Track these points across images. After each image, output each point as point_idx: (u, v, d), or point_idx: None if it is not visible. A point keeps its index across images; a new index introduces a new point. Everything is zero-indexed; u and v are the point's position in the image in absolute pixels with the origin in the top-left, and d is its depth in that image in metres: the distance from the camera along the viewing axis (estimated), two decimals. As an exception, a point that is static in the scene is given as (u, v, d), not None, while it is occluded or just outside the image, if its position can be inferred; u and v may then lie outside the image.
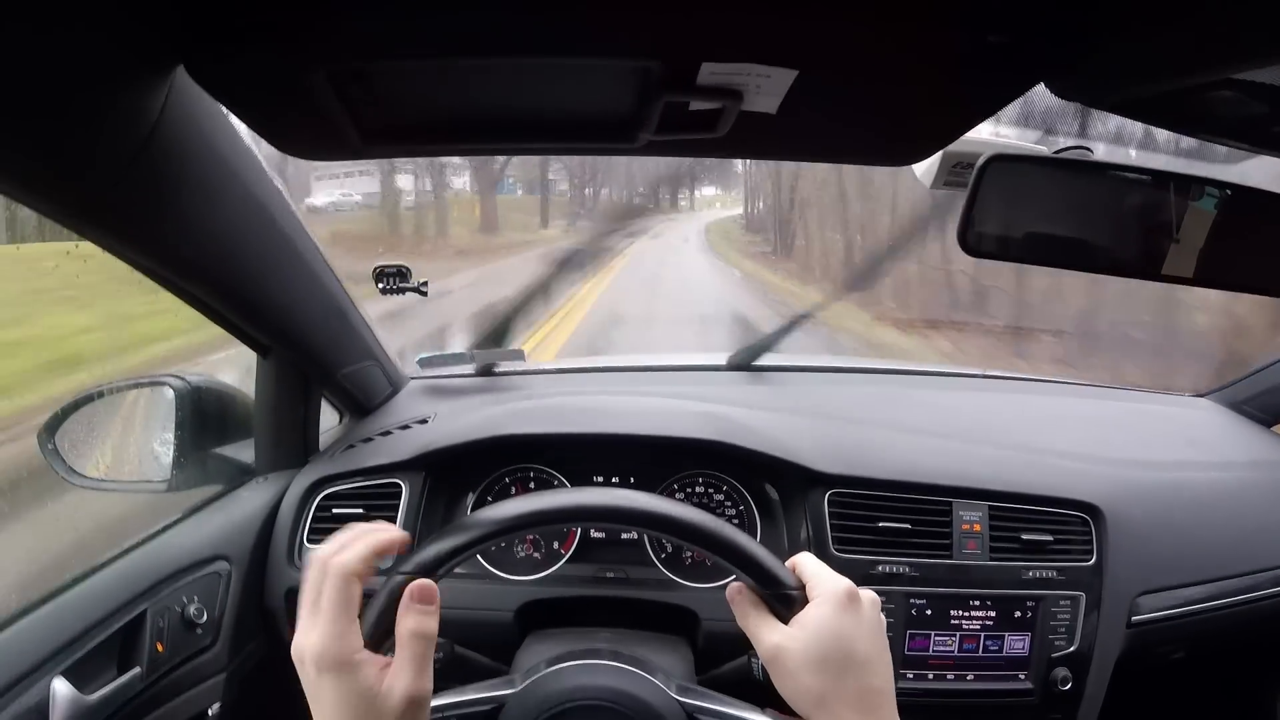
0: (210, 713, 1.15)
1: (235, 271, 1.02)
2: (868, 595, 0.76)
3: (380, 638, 0.70)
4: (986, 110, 0.74)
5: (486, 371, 1.73)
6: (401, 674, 0.67)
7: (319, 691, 0.67)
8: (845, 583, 0.75)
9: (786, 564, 0.78)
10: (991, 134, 1.04)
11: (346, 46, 0.61)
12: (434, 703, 0.84)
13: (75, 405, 1.27)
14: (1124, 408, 1.74)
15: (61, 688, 0.89)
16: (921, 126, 0.78)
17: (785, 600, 0.76)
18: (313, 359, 1.30)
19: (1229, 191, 0.88)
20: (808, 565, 0.78)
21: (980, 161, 0.89)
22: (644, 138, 0.73)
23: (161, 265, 0.94)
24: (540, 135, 0.77)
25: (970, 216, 0.90)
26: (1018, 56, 0.61)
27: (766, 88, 0.65)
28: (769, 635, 0.74)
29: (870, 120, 0.76)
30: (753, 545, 0.78)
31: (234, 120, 0.86)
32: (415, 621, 0.69)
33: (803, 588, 0.76)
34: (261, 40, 0.59)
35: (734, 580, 0.80)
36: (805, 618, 0.73)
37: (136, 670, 1.01)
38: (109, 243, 0.86)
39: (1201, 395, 1.80)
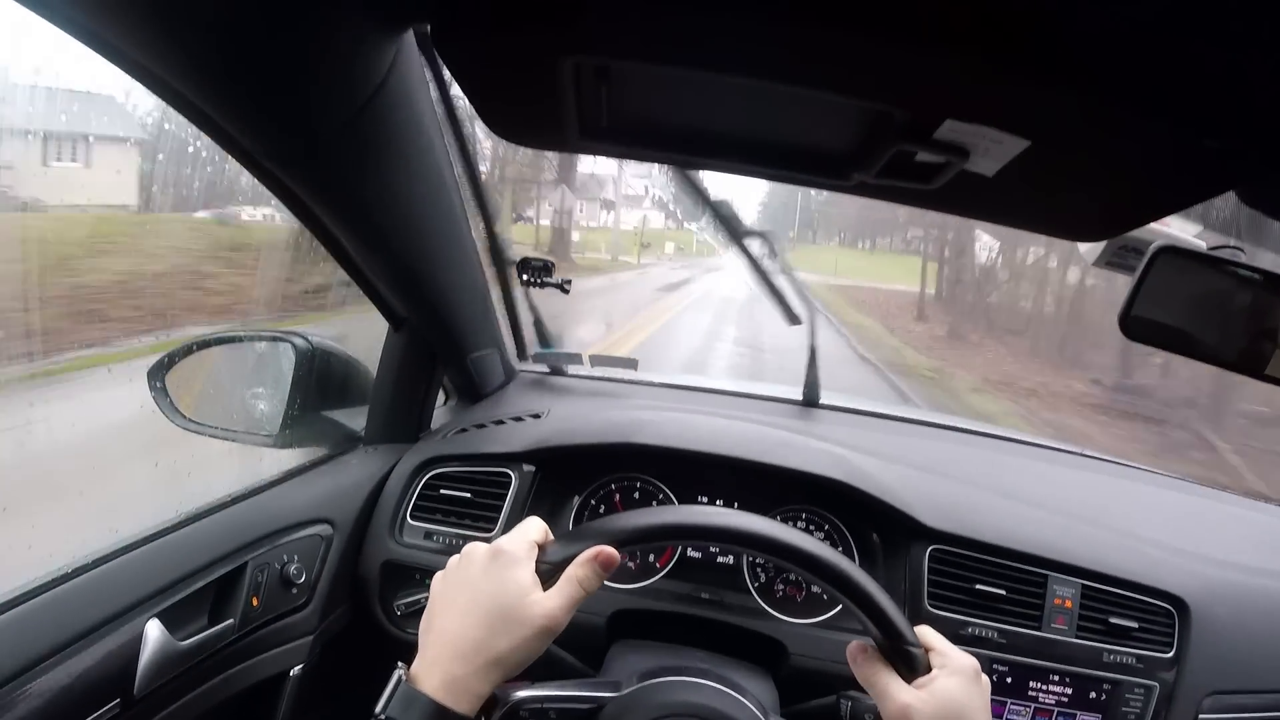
0: (292, 673, 1.15)
1: (405, 244, 1.05)
2: (985, 678, 0.81)
3: (549, 572, 0.78)
4: (1179, 204, 0.75)
5: (597, 376, 1.75)
6: (551, 598, 0.77)
7: (480, 577, 0.78)
8: (973, 660, 0.81)
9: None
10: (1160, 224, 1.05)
11: (603, 41, 0.62)
12: (538, 691, 0.87)
13: (186, 350, 1.29)
14: (1217, 507, 1.72)
15: (154, 630, 0.89)
16: (1113, 209, 0.79)
17: (908, 659, 0.79)
18: (448, 338, 1.33)
19: None
20: (933, 636, 0.83)
21: (1151, 250, 0.90)
22: (858, 178, 0.74)
23: (347, 225, 0.97)
24: (755, 159, 0.77)
25: (1134, 301, 0.91)
26: (1224, 162, 0.62)
27: (994, 152, 0.66)
28: (899, 694, 0.78)
29: (1070, 197, 0.77)
30: (887, 600, 0.81)
31: (439, 101, 0.89)
32: (586, 571, 0.78)
33: (926, 651, 0.81)
34: (520, 18, 0.61)
35: (858, 636, 0.83)
36: (935, 684, 0.78)
37: (230, 621, 1.02)
38: (302, 195, 0.88)
39: None
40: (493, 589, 0.76)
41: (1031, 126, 0.62)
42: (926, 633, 0.83)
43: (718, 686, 0.92)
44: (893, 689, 0.78)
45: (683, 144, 0.77)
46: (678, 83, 0.68)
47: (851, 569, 0.82)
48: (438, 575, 0.81)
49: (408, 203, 0.97)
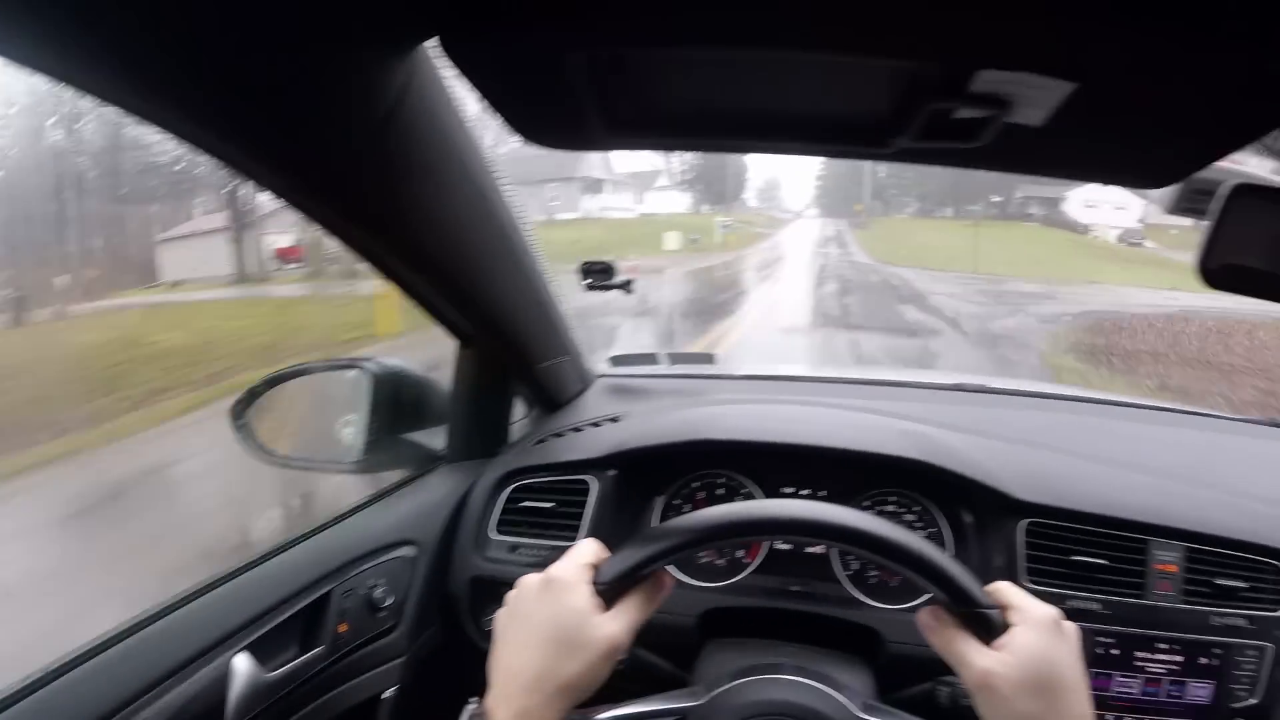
0: (385, 696, 1.16)
1: (454, 258, 1.05)
2: (1070, 624, 0.76)
3: (606, 592, 0.78)
4: (1247, 137, 0.71)
5: (675, 374, 1.74)
6: (613, 619, 0.77)
7: (535, 606, 0.78)
8: (1052, 609, 0.76)
9: (984, 589, 0.78)
10: (1230, 162, 0.99)
11: (614, 29, 0.61)
12: (618, 712, 0.87)
13: (267, 385, 1.31)
14: None
15: (242, 663, 0.90)
16: (1180, 149, 0.75)
17: (984, 622, 0.76)
18: (515, 351, 1.33)
19: None
20: (1009, 591, 0.79)
21: (1225, 190, 0.85)
22: (898, 144, 0.72)
23: (386, 249, 0.97)
24: (789, 135, 0.76)
25: (1213, 246, 0.86)
26: None
27: (1038, 99, 0.64)
28: (978, 659, 0.74)
29: (1131, 140, 0.74)
30: (950, 562, 0.78)
31: (462, 107, 0.89)
32: (646, 592, 0.80)
33: (1003, 610, 0.76)
34: (526, 17, 0.60)
35: (928, 603, 0.80)
36: (1015, 643, 0.73)
37: (318, 649, 1.03)
38: (338, 223, 0.89)
39: None
40: (549, 617, 0.77)
41: (1074, 66, 0.59)
42: (1000, 590, 0.79)
43: (801, 680, 0.90)
44: (971, 655, 0.74)
45: (712, 128, 0.76)
46: (697, 65, 0.67)
47: (905, 536, 0.79)
48: (500, 611, 0.82)
49: (448, 217, 0.98)
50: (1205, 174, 0.91)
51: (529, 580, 0.81)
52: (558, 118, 0.77)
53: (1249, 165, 1.01)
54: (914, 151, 0.74)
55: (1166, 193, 1.02)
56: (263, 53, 0.59)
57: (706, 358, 1.73)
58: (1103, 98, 0.63)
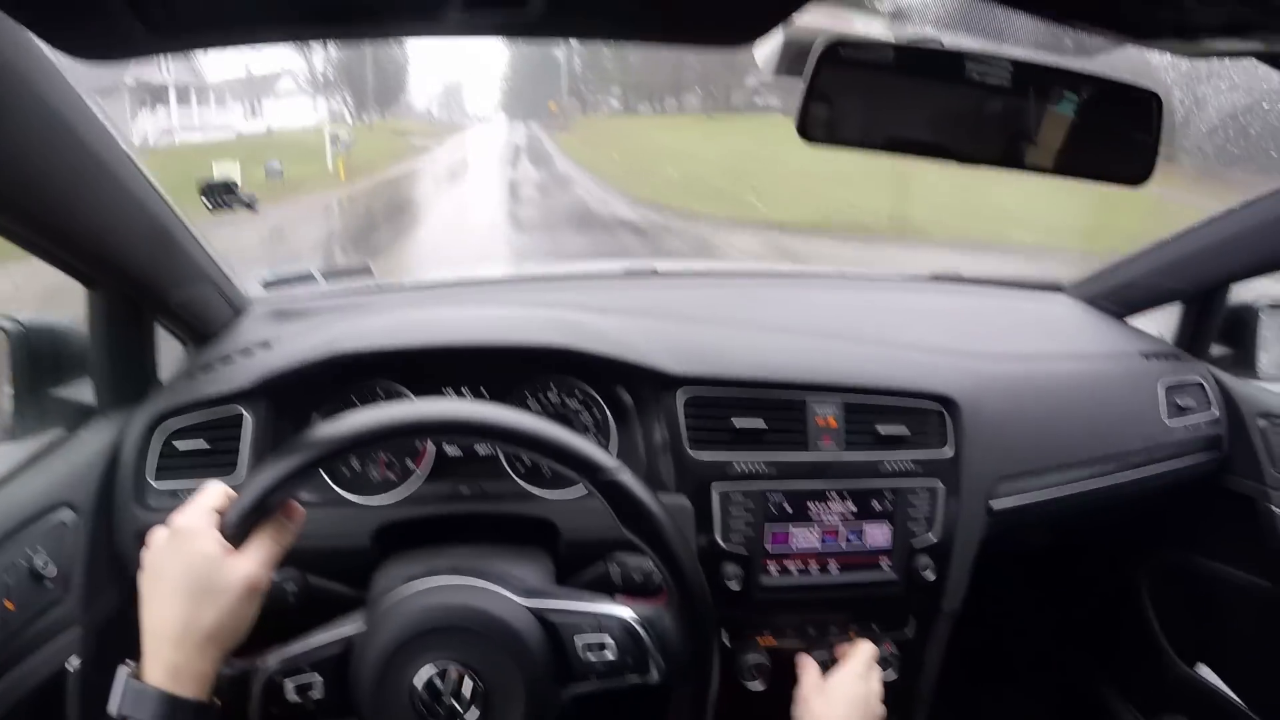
0: (70, 667, 1.10)
1: (39, 196, 0.93)
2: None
3: (235, 535, 0.78)
4: None
5: (335, 291, 1.67)
6: (246, 558, 0.78)
7: (165, 559, 0.78)
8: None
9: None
10: (838, 22, 1.02)
11: None
12: (284, 653, 0.85)
13: None
14: (981, 302, 1.78)
15: None
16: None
17: (609, 489, 0.84)
18: (139, 285, 1.22)
19: (1087, 93, 0.87)
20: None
21: (817, 47, 0.87)
22: (451, 14, 0.68)
23: None
24: (344, 16, 0.70)
25: (808, 105, 0.88)
26: None
27: None
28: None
29: None
30: (564, 431, 0.83)
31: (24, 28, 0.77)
32: (276, 525, 0.81)
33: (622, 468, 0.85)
34: None
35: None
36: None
37: None
38: None
39: (1058, 289, 1.84)
40: (180, 567, 0.76)
41: None
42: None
43: (457, 581, 0.89)
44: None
45: (263, 16, 0.65)
46: None
47: (516, 417, 0.82)
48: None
49: (21, 152, 0.86)
50: (805, 35, 0.94)
51: (158, 533, 0.80)
52: (90, 23, 0.64)
53: (854, 23, 1.04)
54: (467, 23, 0.70)
55: (772, 56, 1.04)
56: None
57: (363, 270, 1.67)
58: None
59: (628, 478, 0.83)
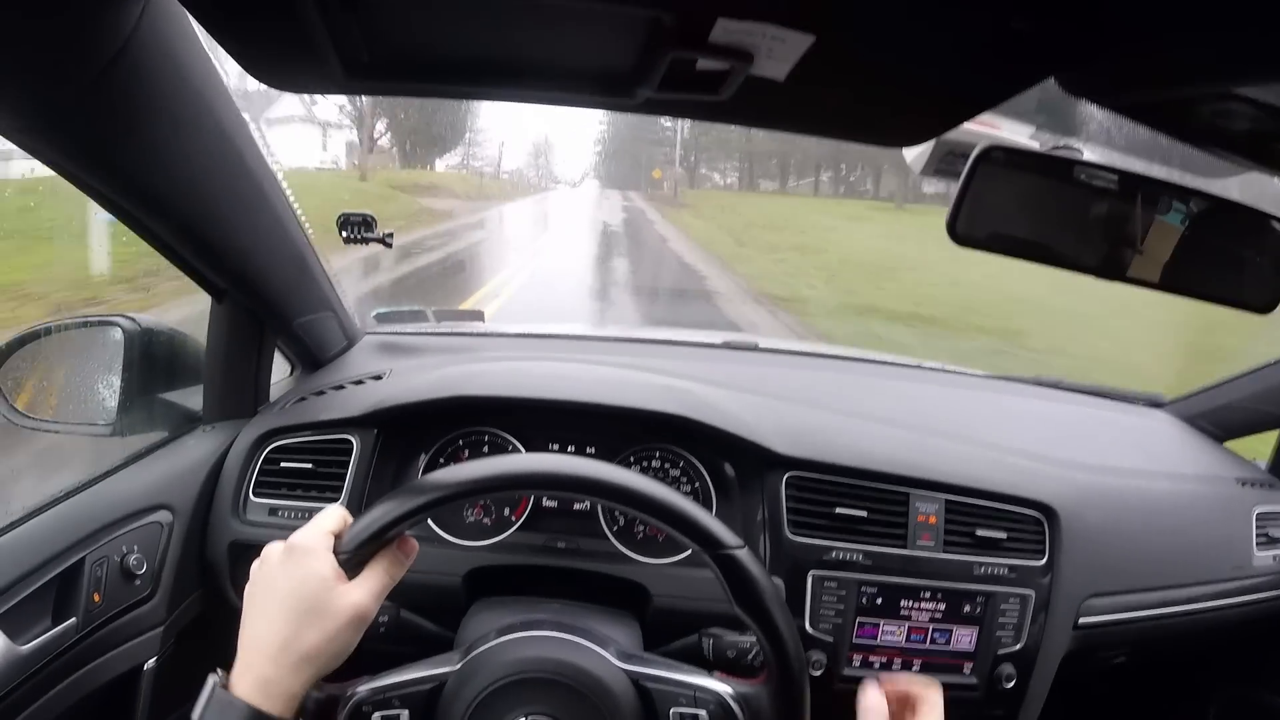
0: (146, 667, 1.11)
1: (196, 207, 0.98)
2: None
3: (349, 561, 0.78)
4: (995, 98, 0.72)
5: (445, 331, 1.69)
6: (358, 586, 0.77)
7: (278, 575, 0.77)
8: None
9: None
10: (984, 126, 1.02)
11: None
12: (375, 684, 0.84)
13: (19, 342, 1.22)
14: (1083, 412, 1.76)
15: None
16: (927, 108, 0.76)
17: (729, 564, 0.81)
18: (269, 306, 1.26)
19: (1200, 206, 0.87)
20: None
21: (976, 152, 0.88)
22: (643, 94, 0.70)
23: (120, 194, 0.90)
24: (534, 83, 0.73)
25: (961, 206, 0.89)
26: (1036, 45, 0.59)
27: (779, 52, 0.63)
28: None
29: (877, 97, 0.74)
30: (693, 507, 0.82)
31: (207, 49, 0.82)
32: (390, 558, 0.80)
33: (743, 547, 0.83)
34: None
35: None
36: None
37: (72, 620, 0.98)
38: (66, 164, 0.82)
39: (1158, 406, 1.82)
40: (291, 585, 0.76)
41: (811, 17, 0.58)
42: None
43: (560, 635, 0.89)
44: None
45: (459, 75, 0.72)
46: (435, 5, 0.63)
47: (649, 485, 0.81)
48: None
49: (189, 164, 0.91)
50: (958, 136, 0.94)
51: (273, 548, 0.80)
52: (295, 60, 0.71)
53: (1002, 129, 1.05)
54: (660, 103, 0.73)
55: (922, 154, 1.04)
56: None
57: (476, 315, 1.70)
58: (841, 52, 0.63)
59: (746, 555, 0.82)
